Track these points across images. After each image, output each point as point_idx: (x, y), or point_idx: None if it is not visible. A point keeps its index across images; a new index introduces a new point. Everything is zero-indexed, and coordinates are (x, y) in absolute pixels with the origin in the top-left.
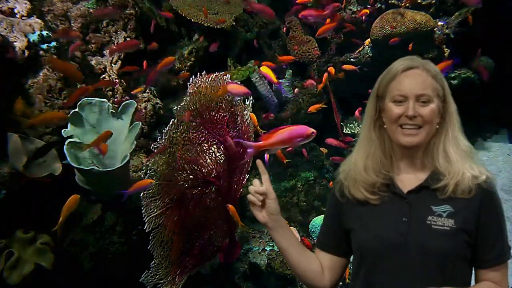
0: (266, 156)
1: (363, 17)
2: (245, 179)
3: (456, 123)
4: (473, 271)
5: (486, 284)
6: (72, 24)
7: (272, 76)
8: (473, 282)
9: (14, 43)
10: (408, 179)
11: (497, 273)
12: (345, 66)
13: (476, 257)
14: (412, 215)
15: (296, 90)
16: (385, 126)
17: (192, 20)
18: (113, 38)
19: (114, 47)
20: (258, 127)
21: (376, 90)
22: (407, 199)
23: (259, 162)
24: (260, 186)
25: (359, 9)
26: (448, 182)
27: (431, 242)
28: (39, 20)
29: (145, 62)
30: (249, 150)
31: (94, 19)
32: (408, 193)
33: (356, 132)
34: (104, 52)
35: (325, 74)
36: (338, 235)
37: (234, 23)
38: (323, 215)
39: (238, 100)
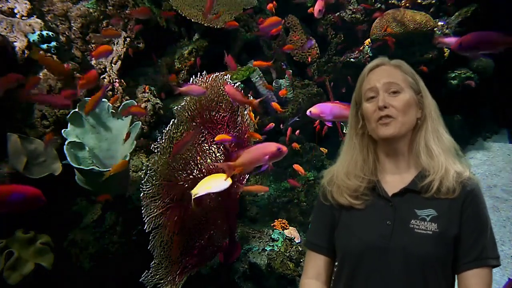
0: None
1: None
2: (245, 179)
3: (436, 117)
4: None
5: None
6: (72, 24)
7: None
8: None
9: (14, 43)
10: (394, 181)
11: (475, 279)
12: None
13: (455, 261)
14: (396, 218)
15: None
16: (369, 133)
17: (192, 20)
18: (113, 38)
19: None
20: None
21: (354, 98)
22: (392, 202)
23: None
24: None
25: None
26: (433, 178)
27: (413, 245)
28: (39, 20)
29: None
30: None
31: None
32: (393, 196)
33: None
34: None
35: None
36: (328, 236)
37: None
38: None
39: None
